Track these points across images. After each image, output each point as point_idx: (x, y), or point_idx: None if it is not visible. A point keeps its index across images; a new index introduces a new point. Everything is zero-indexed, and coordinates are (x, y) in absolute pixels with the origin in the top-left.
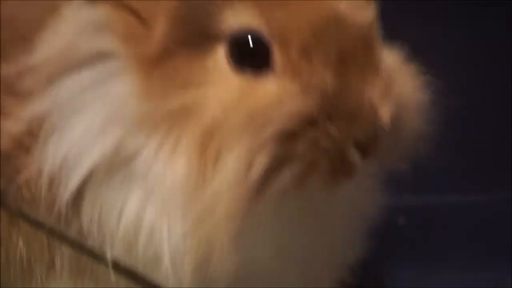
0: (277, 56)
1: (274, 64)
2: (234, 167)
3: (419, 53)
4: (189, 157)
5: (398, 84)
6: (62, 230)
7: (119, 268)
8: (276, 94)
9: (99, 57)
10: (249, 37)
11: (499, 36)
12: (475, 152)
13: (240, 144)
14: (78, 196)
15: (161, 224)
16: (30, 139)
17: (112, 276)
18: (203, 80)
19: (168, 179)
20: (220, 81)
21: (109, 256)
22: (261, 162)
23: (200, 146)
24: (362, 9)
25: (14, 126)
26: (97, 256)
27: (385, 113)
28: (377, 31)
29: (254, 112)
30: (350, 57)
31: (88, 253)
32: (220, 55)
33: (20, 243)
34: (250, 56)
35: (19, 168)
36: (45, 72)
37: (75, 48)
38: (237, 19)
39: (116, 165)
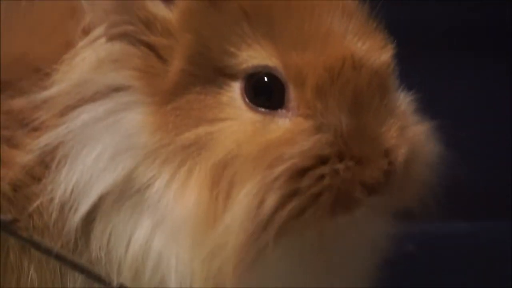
0: (292, 95)
1: (288, 102)
2: (246, 203)
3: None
4: (200, 190)
5: (411, 129)
6: (73, 258)
7: None
8: (289, 131)
9: (114, 90)
10: (265, 76)
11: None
12: (484, 179)
13: (252, 180)
14: (88, 223)
15: (169, 254)
16: (41, 169)
17: None
18: (217, 115)
19: (179, 210)
20: (234, 117)
21: (115, 283)
22: (272, 199)
23: (212, 180)
24: (378, 51)
25: (25, 156)
26: (106, 283)
27: (399, 155)
28: (393, 74)
29: (267, 148)
30: (365, 98)
31: (98, 280)
32: (235, 91)
33: (32, 271)
34: (266, 94)
35: (30, 197)
36: (60, 104)
37: (91, 81)
38: (254, 58)
39: (127, 194)
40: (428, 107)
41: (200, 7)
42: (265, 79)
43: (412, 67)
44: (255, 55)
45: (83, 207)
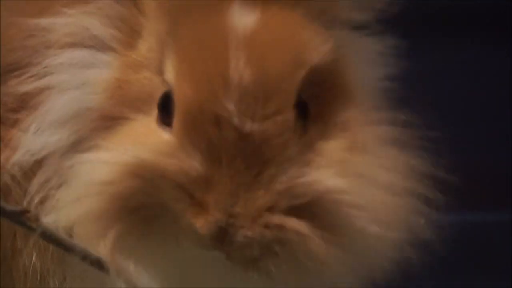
0: (175, 118)
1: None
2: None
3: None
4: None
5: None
6: (85, 250)
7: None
8: (160, 145)
9: (95, 43)
10: (166, 96)
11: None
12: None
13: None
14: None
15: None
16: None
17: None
18: (140, 107)
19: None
20: (146, 116)
21: None
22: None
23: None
24: (256, 121)
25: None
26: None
27: (240, 231)
28: (282, 148)
29: (137, 147)
30: (222, 156)
31: (93, 263)
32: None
33: (34, 256)
34: (164, 108)
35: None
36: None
37: (78, 24)
38: (167, 74)
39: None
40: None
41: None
42: (166, 94)
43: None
44: (169, 71)
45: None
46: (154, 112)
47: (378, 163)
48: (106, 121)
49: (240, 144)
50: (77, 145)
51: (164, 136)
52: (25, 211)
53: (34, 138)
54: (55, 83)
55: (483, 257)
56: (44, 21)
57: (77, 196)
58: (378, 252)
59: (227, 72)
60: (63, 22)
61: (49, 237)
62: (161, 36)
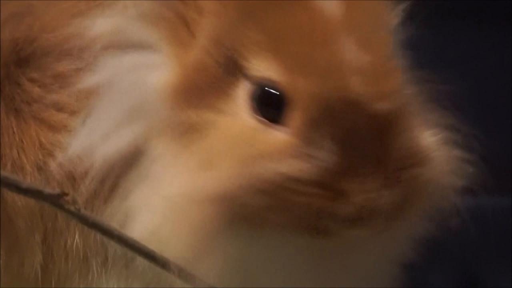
0: (290, 115)
1: (285, 120)
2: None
3: None
4: (188, 171)
5: (410, 172)
6: (120, 232)
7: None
8: (277, 148)
9: (143, 46)
10: (271, 89)
11: None
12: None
13: (230, 178)
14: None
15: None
16: None
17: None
18: (221, 106)
19: (171, 190)
20: (234, 115)
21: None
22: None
23: (198, 164)
24: (387, 97)
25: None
26: (154, 258)
27: (382, 198)
28: (403, 120)
29: (252, 156)
30: (359, 141)
31: (145, 255)
32: (244, 91)
33: (77, 236)
34: (267, 106)
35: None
36: (96, 48)
37: (123, 31)
38: (265, 70)
39: (132, 162)
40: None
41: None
42: (271, 92)
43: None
44: (266, 67)
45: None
46: (235, 110)
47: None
48: (180, 126)
49: (374, 125)
50: (142, 153)
51: (279, 136)
52: (64, 194)
53: (88, 139)
54: (105, 84)
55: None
56: (86, 22)
57: (176, 205)
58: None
59: (343, 57)
60: (108, 23)
61: (87, 220)
62: (230, 32)
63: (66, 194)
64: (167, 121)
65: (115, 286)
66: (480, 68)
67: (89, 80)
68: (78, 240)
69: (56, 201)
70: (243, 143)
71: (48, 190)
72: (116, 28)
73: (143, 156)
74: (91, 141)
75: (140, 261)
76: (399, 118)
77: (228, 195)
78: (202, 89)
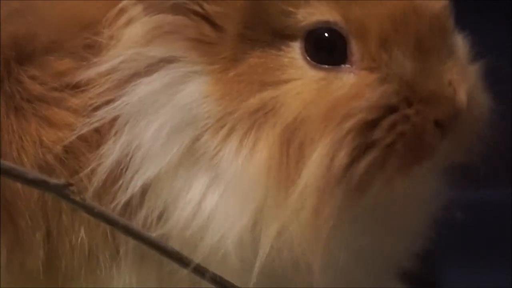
0: (354, 49)
1: (352, 57)
2: (318, 163)
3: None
4: (270, 155)
5: (471, 69)
6: (127, 223)
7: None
8: (355, 86)
9: (168, 62)
10: (326, 32)
11: None
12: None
13: (323, 139)
14: (142, 190)
15: (234, 219)
16: (97, 136)
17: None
18: (280, 78)
19: (249, 175)
20: (298, 77)
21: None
22: (343, 155)
23: (281, 143)
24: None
25: (76, 119)
26: (160, 248)
27: (463, 92)
28: (450, 16)
29: (335, 106)
30: (427, 43)
31: (151, 244)
32: (295, 51)
33: (82, 231)
34: (328, 51)
35: (81, 160)
36: (115, 79)
37: (144, 55)
38: (312, 15)
39: (187, 163)
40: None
41: None
42: (326, 34)
43: None
44: (313, 11)
45: (139, 182)
46: (295, 74)
47: None
48: (238, 117)
49: (434, 24)
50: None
51: (349, 76)
52: (69, 184)
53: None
54: (137, 109)
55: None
56: (106, 65)
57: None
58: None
59: None
60: (127, 57)
61: (92, 210)
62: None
63: (72, 185)
64: (221, 118)
65: (126, 282)
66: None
67: (114, 108)
68: (84, 237)
69: (62, 191)
70: (316, 101)
71: (53, 180)
72: (136, 51)
73: (194, 156)
74: (135, 155)
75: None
76: (450, 15)
77: (333, 165)
78: (249, 73)
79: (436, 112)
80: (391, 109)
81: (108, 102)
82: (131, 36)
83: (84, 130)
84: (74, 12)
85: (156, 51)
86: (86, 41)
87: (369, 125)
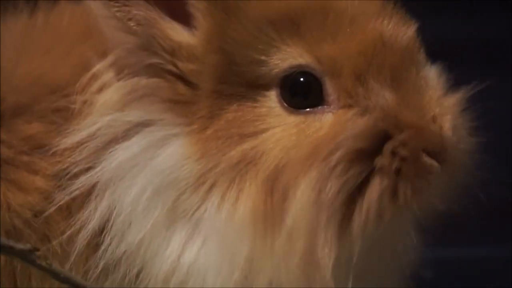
0: (330, 89)
1: (328, 97)
2: (306, 197)
3: None
4: (254, 205)
5: (448, 100)
6: (92, 286)
7: None
8: (334, 124)
9: (145, 125)
10: (300, 76)
11: None
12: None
13: (307, 176)
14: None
15: (225, 273)
16: (69, 201)
17: None
18: (259, 127)
19: (233, 229)
20: (276, 125)
21: None
22: (333, 184)
23: (265, 192)
24: (404, 28)
25: (45, 183)
26: None
27: (449, 129)
28: (420, 48)
29: (316, 145)
30: (402, 74)
31: None
32: (272, 100)
33: None
34: (304, 94)
35: (50, 224)
36: (92, 147)
37: (120, 121)
38: (285, 60)
39: (168, 221)
40: None
41: (221, 25)
42: (300, 78)
43: None
44: (285, 57)
45: (122, 248)
46: (273, 121)
47: None
48: (220, 170)
49: (405, 56)
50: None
51: (327, 115)
52: (35, 249)
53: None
54: (116, 174)
55: None
56: (82, 133)
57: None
58: None
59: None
60: (104, 124)
61: (58, 275)
62: (238, 50)
63: (37, 250)
64: (202, 175)
65: None
66: None
67: (95, 176)
68: None
69: (28, 256)
70: (298, 145)
71: (19, 245)
72: (109, 123)
73: (175, 215)
74: (116, 221)
75: None
76: (419, 47)
77: (322, 198)
78: (227, 127)
79: (425, 143)
80: (384, 135)
81: (87, 170)
82: (106, 102)
83: (65, 200)
84: (41, 74)
85: (133, 116)
86: (55, 104)
87: (366, 153)
